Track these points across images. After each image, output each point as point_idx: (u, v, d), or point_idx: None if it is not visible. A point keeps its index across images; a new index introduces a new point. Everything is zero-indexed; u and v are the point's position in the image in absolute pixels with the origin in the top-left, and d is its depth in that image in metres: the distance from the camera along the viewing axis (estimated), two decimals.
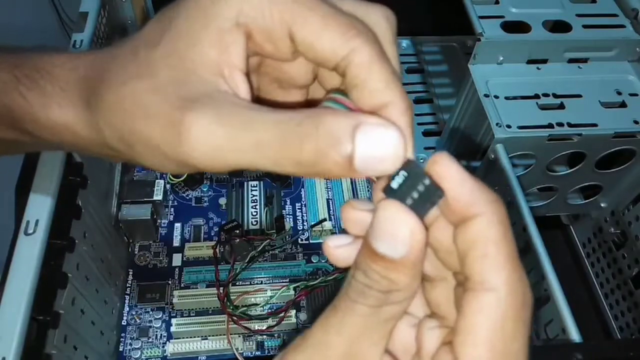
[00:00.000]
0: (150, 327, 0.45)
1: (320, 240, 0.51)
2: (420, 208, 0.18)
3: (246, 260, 0.48)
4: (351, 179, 0.54)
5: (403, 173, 0.18)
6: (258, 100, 0.23)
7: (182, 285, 0.48)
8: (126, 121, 0.19)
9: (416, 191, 0.18)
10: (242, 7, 0.19)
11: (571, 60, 0.46)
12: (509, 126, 0.41)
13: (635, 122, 0.42)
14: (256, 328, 0.45)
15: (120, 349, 0.44)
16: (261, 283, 0.48)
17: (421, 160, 0.58)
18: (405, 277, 0.17)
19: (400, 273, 0.17)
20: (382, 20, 0.21)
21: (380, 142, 0.17)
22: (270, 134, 0.18)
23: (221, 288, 0.46)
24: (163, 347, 0.44)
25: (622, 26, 0.46)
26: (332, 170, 0.17)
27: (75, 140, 0.22)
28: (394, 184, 0.18)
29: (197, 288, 0.47)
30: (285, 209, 0.53)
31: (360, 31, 0.19)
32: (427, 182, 0.18)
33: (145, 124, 0.19)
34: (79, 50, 0.40)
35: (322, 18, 0.19)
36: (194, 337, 0.44)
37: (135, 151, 0.20)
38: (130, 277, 0.48)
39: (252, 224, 0.51)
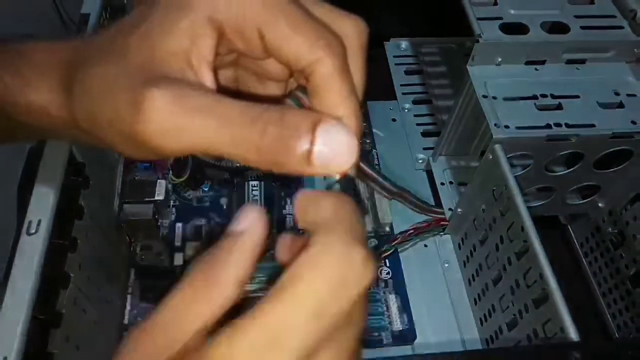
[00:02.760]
0: None
1: None
2: None
3: None
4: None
5: (337, 186, 0.19)
6: (237, 93, 0.24)
7: None
8: (94, 101, 0.20)
9: None
10: (216, 4, 0.20)
11: (569, 62, 0.46)
12: (507, 127, 0.41)
13: (633, 122, 0.42)
14: None
15: None
16: (261, 283, 0.48)
17: (420, 161, 0.59)
18: (230, 252, 0.19)
19: (229, 244, 0.19)
20: (352, 32, 0.21)
21: (339, 139, 0.18)
22: (236, 114, 0.18)
23: None
24: None
25: (620, 27, 0.46)
26: (290, 161, 0.18)
27: (51, 123, 0.22)
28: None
29: None
30: (285, 209, 0.53)
31: (328, 42, 0.20)
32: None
33: (109, 102, 0.19)
34: None
35: (292, 23, 0.20)
36: None
37: (100, 132, 0.20)
38: (132, 277, 0.48)
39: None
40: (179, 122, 0.18)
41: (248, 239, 0.19)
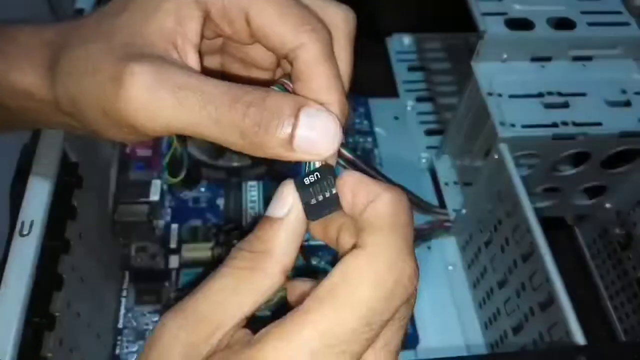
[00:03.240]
0: (147, 329, 0.45)
1: (320, 242, 0.51)
2: (318, 210, 0.19)
3: None
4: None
5: (317, 174, 0.19)
6: (223, 76, 0.24)
7: (180, 287, 0.47)
8: (76, 81, 0.20)
9: (321, 195, 0.19)
10: None
11: (575, 58, 0.45)
12: (512, 125, 0.40)
13: None
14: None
15: (117, 352, 0.44)
16: None
17: (423, 160, 0.58)
18: (274, 239, 0.19)
19: (272, 230, 0.19)
20: (340, 20, 0.21)
21: (322, 124, 0.18)
22: (218, 94, 0.18)
23: None
24: None
25: (627, 24, 0.45)
26: (271, 144, 0.18)
27: (35, 106, 0.22)
28: (306, 180, 0.19)
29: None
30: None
31: (313, 28, 0.20)
32: (333, 191, 0.19)
33: (91, 80, 0.19)
34: None
35: (278, 8, 0.20)
36: None
37: (83, 113, 0.20)
38: (127, 279, 0.47)
39: (251, 225, 0.50)
40: (160, 99, 0.18)
41: (292, 227, 0.19)
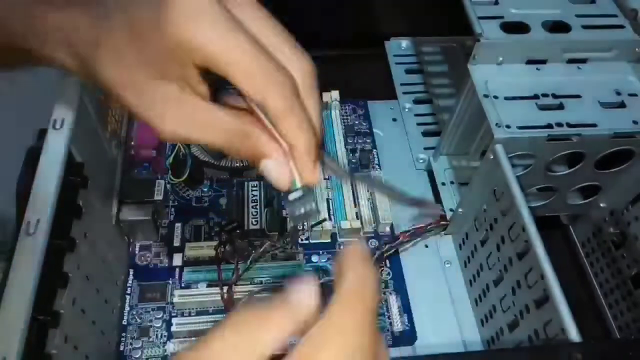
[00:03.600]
0: (150, 326, 0.46)
1: (321, 241, 0.51)
2: (302, 219, 0.26)
3: (248, 261, 0.48)
4: (351, 184, 0.55)
5: (299, 192, 0.25)
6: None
7: (183, 284, 0.48)
8: (116, 86, 0.24)
9: (304, 207, 0.26)
10: (180, 39, 0.23)
11: (570, 61, 0.46)
12: (508, 126, 0.41)
13: (635, 122, 0.42)
14: None
15: (121, 349, 0.44)
16: (261, 283, 0.48)
17: (421, 161, 0.58)
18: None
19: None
20: (299, 73, 0.24)
21: (274, 171, 0.25)
22: (222, 123, 0.24)
23: (224, 288, 0.46)
24: (164, 346, 0.45)
25: (622, 27, 0.46)
26: (250, 161, 0.25)
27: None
28: (291, 197, 0.26)
29: (197, 288, 0.47)
30: (285, 209, 0.53)
31: (274, 81, 0.23)
32: (313, 205, 0.26)
33: (131, 99, 0.24)
34: None
35: (242, 64, 0.23)
36: (195, 336, 0.44)
37: (108, 90, 0.25)
38: (131, 277, 0.48)
39: (253, 224, 0.51)
40: (183, 133, 0.24)
41: (295, 311, 0.20)
